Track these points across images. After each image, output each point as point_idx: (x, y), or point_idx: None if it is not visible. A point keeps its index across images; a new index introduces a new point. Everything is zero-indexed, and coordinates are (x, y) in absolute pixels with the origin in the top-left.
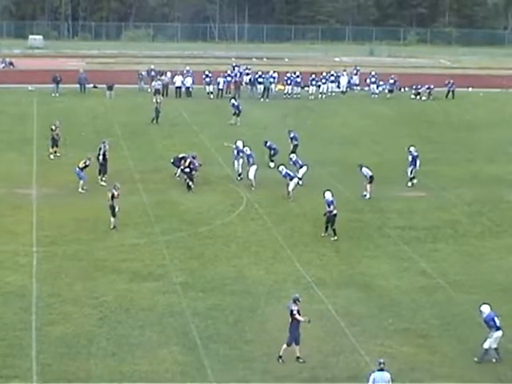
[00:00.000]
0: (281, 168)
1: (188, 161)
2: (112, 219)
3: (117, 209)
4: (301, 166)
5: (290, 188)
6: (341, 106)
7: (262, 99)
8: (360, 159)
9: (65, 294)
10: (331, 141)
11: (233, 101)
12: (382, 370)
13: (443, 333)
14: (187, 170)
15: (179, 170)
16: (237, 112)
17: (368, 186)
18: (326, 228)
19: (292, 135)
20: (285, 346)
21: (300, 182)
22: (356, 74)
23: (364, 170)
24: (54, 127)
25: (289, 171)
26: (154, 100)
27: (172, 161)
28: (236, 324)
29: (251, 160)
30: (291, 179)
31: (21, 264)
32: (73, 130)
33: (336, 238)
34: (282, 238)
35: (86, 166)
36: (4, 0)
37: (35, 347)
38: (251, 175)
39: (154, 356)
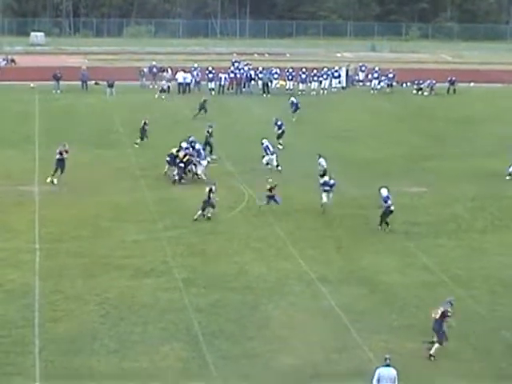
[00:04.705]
0: (264, 140)
1: (183, 153)
2: (199, 212)
3: (215, 201)
4: (271, 154)
5: (265, 161)
6: (342, 101)
7: (264, 95)
8: (362, 155)
9: (67, 291)
10: (333, 136)
11: (292, 98)
12: (388, 365)
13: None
14: (181, 164)
15: (176, 170)
16: (295, 109)
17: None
18: (381, 222)
19: (279, 123)
20: (437, 345)
21: (273, 168)
22: (363, 71)
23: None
24: (146, 121)
25: (269, 146)
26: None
27: (168, 159)
28: (238, 320)
29: (202, 156)
30: (268, 154)
31: (23, 261)
32: (75, 128)
33: (389, 227)
34: (284, 234)
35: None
36: None
37: (38, 344)
38: (199, 171)
39: (156, 352)
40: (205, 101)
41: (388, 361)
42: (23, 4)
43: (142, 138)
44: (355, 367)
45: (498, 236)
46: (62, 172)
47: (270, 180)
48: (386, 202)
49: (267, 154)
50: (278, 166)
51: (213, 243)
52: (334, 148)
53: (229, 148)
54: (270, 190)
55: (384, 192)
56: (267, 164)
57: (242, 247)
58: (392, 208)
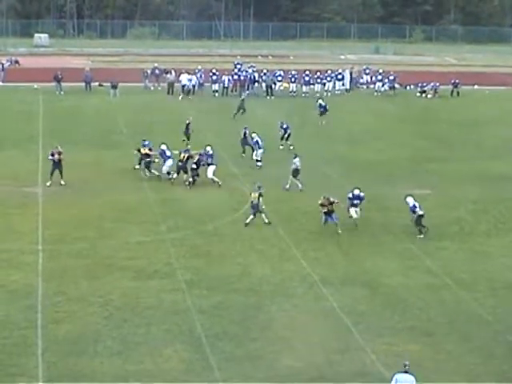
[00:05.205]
0: (254, 135)
1: (184, 155)
2: (251, 217)
3: (264, 207)
4: (259, 148)
5: (259, 157)
6: (346, 104)
7: (267, 97)
8: (365, 157)
9: (70, 293)
10: (337, 139)
11: (320, 101)
12: (406, 372)
13: (449, 331)
14: (194, 166)
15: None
16: (322, 111)
17: (291, 178)
18: (419, 229)
19: (285, 126)
20: None
21: (259, 164)
22: (367, 74)
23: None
24: (190, 121)
25: (259, 140)
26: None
27: (143, 164)
28: (242, 322)
29: (210, 160)
30: (259, 148)
31: (26, 262)
32: (78, 128)
33: (422, 235)
34: (287, 235)
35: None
36: None
37: (41, 345)
38: (210, 174)
39: (159, 354)
40: (243, 100)
41: (407, 367)
42: (27, 5)
43: (188, 138)
44: (357, 369)
45: (501, 239)
46: (61, 173)
47: (325, 196)
48: (414, 210)
49: (258, 148)
50: (259, 160)
51: (216, 245)
52: (337, 150)
53: (232, 149)
54: (323, 205)
55: (410, 201)
56: (258, 161)
57: (246, 249)
58: (421, 213)
